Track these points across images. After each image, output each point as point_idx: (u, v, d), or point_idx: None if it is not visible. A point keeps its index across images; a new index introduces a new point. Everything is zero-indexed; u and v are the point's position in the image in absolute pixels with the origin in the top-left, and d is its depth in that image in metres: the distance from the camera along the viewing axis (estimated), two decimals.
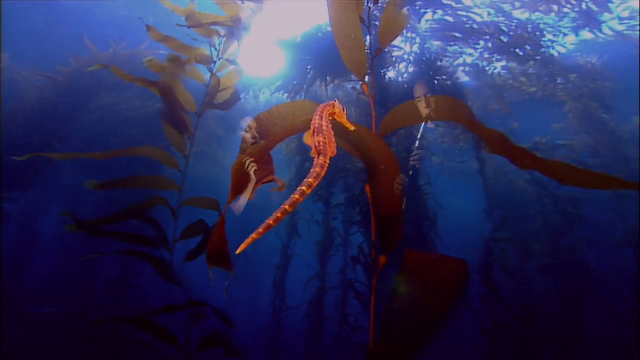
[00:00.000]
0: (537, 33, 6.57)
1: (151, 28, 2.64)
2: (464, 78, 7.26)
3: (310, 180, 0.92)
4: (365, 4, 1.81)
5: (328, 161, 1.01)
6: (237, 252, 0.84)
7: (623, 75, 7.70)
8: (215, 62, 2.81)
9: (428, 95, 4.67)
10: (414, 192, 5.12)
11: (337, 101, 1.20)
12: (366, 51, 1.66)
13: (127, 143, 7.58)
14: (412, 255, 1.39)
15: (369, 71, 1.70)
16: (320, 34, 5.12)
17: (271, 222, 0.85)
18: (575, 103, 7.97)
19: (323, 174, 0.98)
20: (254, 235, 0.83)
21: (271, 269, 7.17)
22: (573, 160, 6.83)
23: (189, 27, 2.61)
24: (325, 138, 1.04)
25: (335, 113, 1.18)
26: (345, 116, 1.21)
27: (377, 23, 1.77)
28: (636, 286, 6.12)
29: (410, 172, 4.25)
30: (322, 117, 1.09)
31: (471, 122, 1.43)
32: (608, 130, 7.72)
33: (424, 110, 1.52)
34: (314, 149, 1.03)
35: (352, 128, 1.26)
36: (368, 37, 1.77)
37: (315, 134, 1.05)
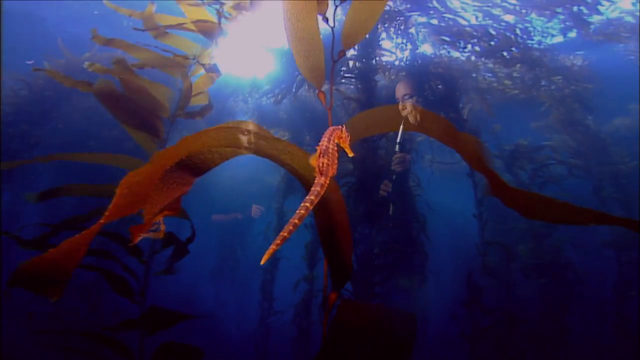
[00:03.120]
0: (525, 35, 6.58)
1: (95, 34, 2.50)
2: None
3: (312, 197, 1.02)
4: (332, 3, 1.66)
5: (328, 181, 1.09)
6: (262, 262, 0.89)
7: (605, 77, 7.79)
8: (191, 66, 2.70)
9: (414, 98, 4.59)
10: (403, 194, 5.08)
11: (344, 127, 1.25)
12: (325, 56, 1.54)
13: (106, 145, 7.40)
14: (348, 308, 1.17)
15: (328, 79, 1.61)
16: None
17: (285, 234, 0.93)
18: (557, 104, 8.02)
19: (322, 193, 1.06)
20: (273, 247, 0.90)
21: (259, 272, 7.11)
22: (555, 160, 6.85)
23: (144, 30, 2.48)
24: (329, 160, 1.12)
25: (342, 137, 1.22)
26: (348, 141, 1.26)
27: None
28: (619, 288, 6.18)
29: (394, 177, 4.21)
30: (329, 140, 1.16)
31: (447, 135, 1.30)
32: (590, 132, 7.79)
33: (394, 118, 1.42)
34: (317, 169, 1.10)
35: (352, 154, 1.31)
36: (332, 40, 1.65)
37: (321, 156, 1.11)
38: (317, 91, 1.61)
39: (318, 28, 1.47)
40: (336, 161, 1.16)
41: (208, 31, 2.56)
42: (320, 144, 1.17)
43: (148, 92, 2.42)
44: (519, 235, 6.69)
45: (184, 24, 2.54)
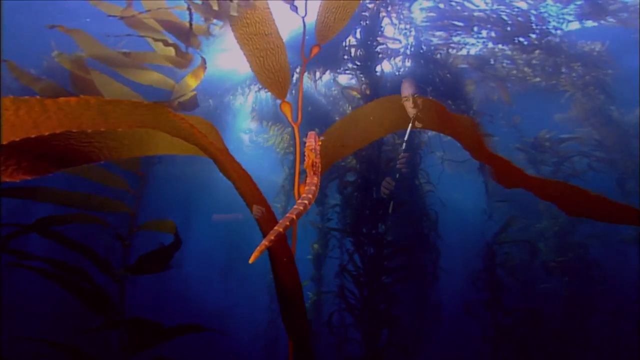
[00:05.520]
0: (540, 22, 6.35)
1: (53, 25, 2.31)
2: (466, 69, 7.03)
3: (310, 196, 1.03)
4: None
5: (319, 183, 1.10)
6: (250, 261, 0.83)
7: (624, 62, 7.50)
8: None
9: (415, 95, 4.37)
10: (412, 191, 4.89)
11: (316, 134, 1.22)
12: (289, 57, 1.24)
13: None
14: None
15: (295, 83, 1.35)
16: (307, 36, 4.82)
17: (280, 229, 0.87)
18: (579, 93, 7.72)
19: (317, 193, 1.07)
20: (265, 242, 0.84)
21: (265, 271, 7.03)
22: (580, 153, 6.54)
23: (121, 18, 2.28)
24: (319, 161, 1.13)
25: (320, 144, 1.20)
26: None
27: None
28: None
29: (397, 176, 4.02)
30: (316, 142, 1.16)
31: (441, 121, 1.10)
32: (613, 122, 7.47)
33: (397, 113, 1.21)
34: (310, 170, 1.10)
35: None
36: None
37: (316, 156, 1.12)
38: (280, 102, 1.31)
39: (273, 20, 1.16)
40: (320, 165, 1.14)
41: (177, 30, 2.34)
42: (307, 144, 1.16)
43: (97, 92, 2.19)
44: (540, 232, 6.41)
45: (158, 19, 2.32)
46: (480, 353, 5.09)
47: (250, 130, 10.53)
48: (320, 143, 1.19)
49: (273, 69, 1.21)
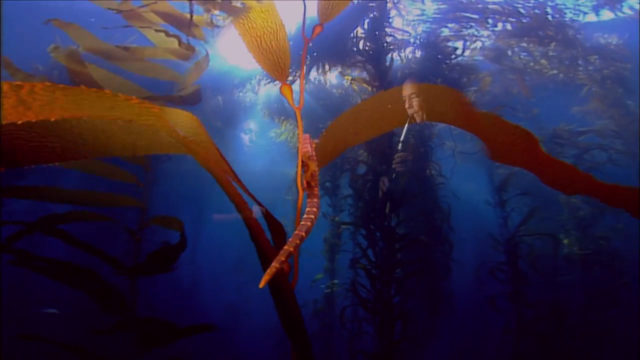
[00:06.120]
0: (557, 15, 6.20)
1: (52, 20, 2.28)
2: (482, 61, 6.92)
3: (315, 209, 1.00)
4: None
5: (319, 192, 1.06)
6: (260, 285, 0.78)
7: None
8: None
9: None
10: (424, 184, 4.82)
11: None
12: (289, 38, 1.16)
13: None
14: None
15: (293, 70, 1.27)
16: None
17: (291, 248, 0.84)
18: (597, 86, 7.54)
19: (319, 204, 1.03)
20: (276, 264, 0.79)
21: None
22: (599, 145, 6.39)
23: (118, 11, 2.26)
24: (317, 169, 1.08)
25: (314, 147, 1.16)
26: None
27: None
28: None
29: (394, 176, 3.96)
30: (312, 146, 1.11)
31: (465, 120, 1.02)
32: (633, 115, 7.27)
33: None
34: (310, 178, 1.06)
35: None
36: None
37: (313, 162, 1.07)
38: (281, 84, 1.21)
39: None
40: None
41: (177, 22, 2.30)
42: (303, 152, 1.10)
43: (97, 87, 2.18)
44: (561, 225, 6.33)
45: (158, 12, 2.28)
46: (500, 345, 5.03)
47: (250, 130, 10.60)
48: (315, 146, 1.15)
49: (271, 49, 1.13)
